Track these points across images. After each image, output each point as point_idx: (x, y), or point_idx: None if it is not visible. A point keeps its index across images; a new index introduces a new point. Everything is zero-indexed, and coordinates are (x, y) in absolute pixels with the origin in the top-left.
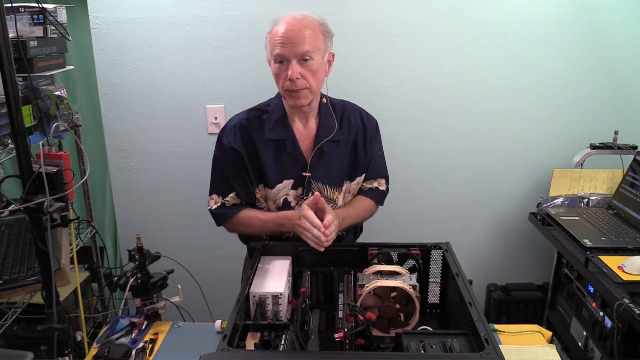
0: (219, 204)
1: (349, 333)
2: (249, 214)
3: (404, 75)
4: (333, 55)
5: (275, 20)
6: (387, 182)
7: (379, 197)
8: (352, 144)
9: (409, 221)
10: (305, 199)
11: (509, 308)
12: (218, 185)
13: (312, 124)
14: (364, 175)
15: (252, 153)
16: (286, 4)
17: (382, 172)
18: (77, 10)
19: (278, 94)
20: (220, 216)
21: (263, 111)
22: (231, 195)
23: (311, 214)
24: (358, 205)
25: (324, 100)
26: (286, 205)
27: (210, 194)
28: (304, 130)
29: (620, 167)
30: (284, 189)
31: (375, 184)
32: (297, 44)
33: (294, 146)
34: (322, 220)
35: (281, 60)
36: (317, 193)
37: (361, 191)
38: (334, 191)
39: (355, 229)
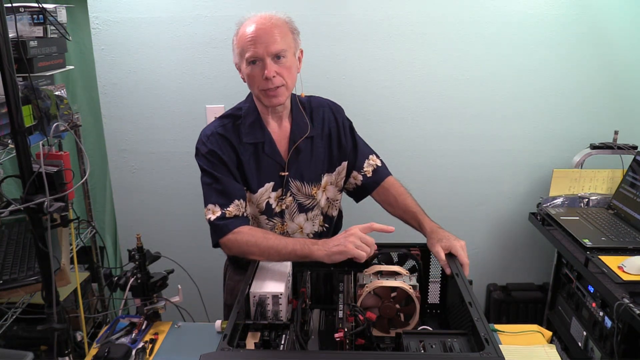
0: (218, 214)
1: (349, 333)
2: (262, 230)
3: (403, 75)
4: (302, 51)
5: (240, 22)
6: (377, 156)
7: (387, 170)
8: (327, 137)
9: None
10: (284, 199)
11: (509, 308)
12: (214, 194)
13: (286, 123)
14: (346, 162)
15: (235, 158)
16: (286, 4)
17: (369, 149)
18: (77, 10)
19: (248, 97)
20: (224, 227)
21: (236, 117)
22: (233, 205)
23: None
24: (406, 195)
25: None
26: (268, 208)
27: (206, 205)
28: (279, 131)
29: (620, 167)
30: (266, 192)
31: (372, 163)
32: (270, 43)
33: (272, 147)
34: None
35: (254, 61)
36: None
37: (369, 179)
38: (312, 187)
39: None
